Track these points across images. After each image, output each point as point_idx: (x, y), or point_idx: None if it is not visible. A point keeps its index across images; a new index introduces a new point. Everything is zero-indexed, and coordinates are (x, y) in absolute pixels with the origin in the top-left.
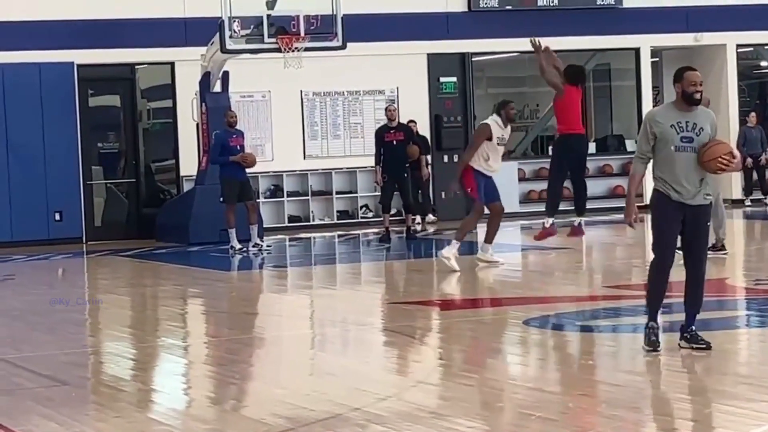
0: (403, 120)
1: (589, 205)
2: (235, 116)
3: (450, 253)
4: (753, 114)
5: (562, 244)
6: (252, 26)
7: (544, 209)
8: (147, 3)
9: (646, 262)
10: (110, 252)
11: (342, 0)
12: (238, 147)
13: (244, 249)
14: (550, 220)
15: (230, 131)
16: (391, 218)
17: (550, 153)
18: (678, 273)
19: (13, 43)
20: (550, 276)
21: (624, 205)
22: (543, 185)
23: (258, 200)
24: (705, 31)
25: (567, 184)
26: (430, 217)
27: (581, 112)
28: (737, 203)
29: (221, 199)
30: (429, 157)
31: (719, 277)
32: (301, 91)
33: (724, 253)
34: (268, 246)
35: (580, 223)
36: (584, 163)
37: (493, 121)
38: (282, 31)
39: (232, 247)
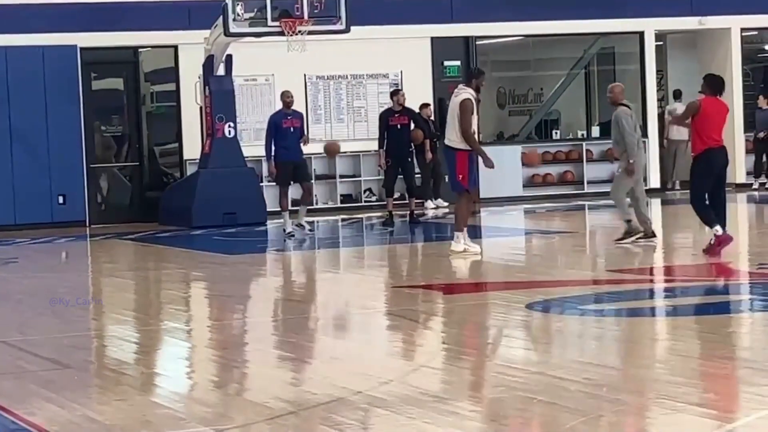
0: (416, 103)
1: (591, 189)
2: (291, 96)
3: (460, 246)
4: (761, 97)
5: (565, 228)
6: (255, 9)
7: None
8: None
9: (650, 246)
10: (113, 235)
11: None
12: (292, 129)
13: (293, 233)
14: (718, 229)
15: (286, 112)
16: (394, 202)
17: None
18: (676, 257)
19: (16, 26)
20: (553, 260)
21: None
22: (546, 169)
23: (261, 184)
24: (709, 15)
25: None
26: (441, 202)
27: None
28: (741, 187)
29: (275, 182)
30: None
31: (723, 261)
32: (305, 75)
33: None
34: (310, 229)
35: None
36: (724, 177)
37: (469, 94)
38: (285, 15)
39: (284, 230)
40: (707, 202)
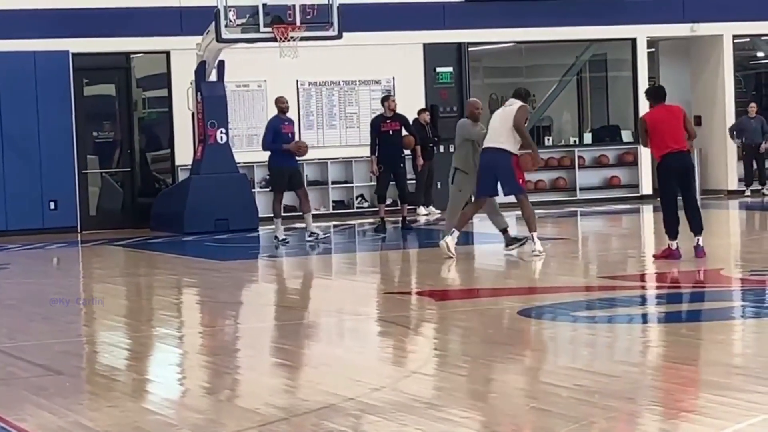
0: (409, 109)
1: (583, 196)
2: (287, 102)
3: (539, 245)
4: (753, 104)
5: (557, 234)
6: (248, 15)
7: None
8: None
9: (641, 252)
10: (105, 241)
11: None
12: (290, 134)
13: (287, 240)
14: (674, 243)
15: (282, 118)
16: (386, 208)
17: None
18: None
19: (7, 31)
20: (546, 266)
21: (619, 195)
22: (539, 175)
23: (253, 190)
24: (702, 22)
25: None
26: (433, 209)
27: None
28: (733, 193)
29: (269, 188)
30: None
31: (714, 268)
32: (297, 81)
33: (511, 251)
34: (325, 235)
35: (697, 243)
36: (690, 181)
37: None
38: (278, 21)
39: (276, 237)
40: (679, 210)
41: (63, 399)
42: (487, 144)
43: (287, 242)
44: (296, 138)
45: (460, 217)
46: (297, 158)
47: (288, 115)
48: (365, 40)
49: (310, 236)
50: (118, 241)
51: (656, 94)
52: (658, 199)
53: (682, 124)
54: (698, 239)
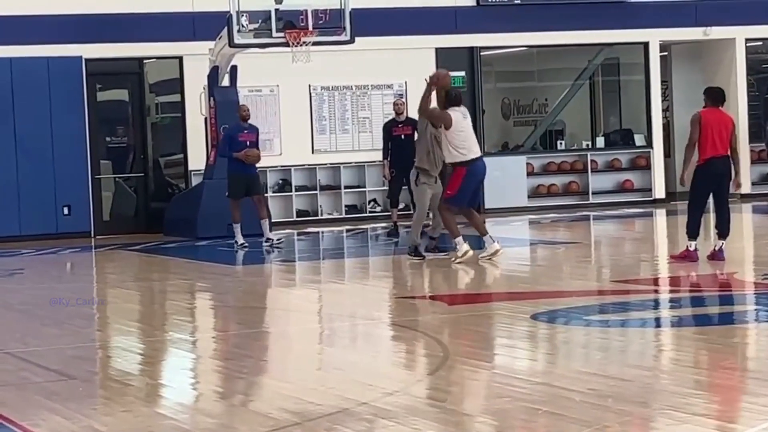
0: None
1: (596, 200)
2: (248, 110)
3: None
4: None
5: (570, 238)
6: (260, 21)
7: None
8: None
9: (654, 256)
10: (118, 246)
11: None
12: (248, 143)
13: (246, 245)
14: (693, 244)
15: (242, 125)
16: (399, 213)
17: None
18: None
19: (21, 37)
20: (558, 270)
21: (632, 199)
22: (551, 179)
23: (266, 194)
24: (714, 26)
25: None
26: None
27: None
28: (746, 197)
29: (227, 193)
30: None
31: (728, 272)
32: (310, 86)
33: (420, 259)
34: (279, 240)
35: (720, 248)
36: (726, 186)
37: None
38: (290, 26)
39: (236, 242)
40: (705, 211)
41: (76, 404)
42: (478, 153)
43: (246, 247)
44: (257, 146)
45: (450, 228)
46: (255, 165)
47: (250, 122)
48: (377, 44)
49: (266, 242)
50: (131, 246)
51: (716, 95)
52: (687, 200)
53: (731, 132)
54: (722, 243)
